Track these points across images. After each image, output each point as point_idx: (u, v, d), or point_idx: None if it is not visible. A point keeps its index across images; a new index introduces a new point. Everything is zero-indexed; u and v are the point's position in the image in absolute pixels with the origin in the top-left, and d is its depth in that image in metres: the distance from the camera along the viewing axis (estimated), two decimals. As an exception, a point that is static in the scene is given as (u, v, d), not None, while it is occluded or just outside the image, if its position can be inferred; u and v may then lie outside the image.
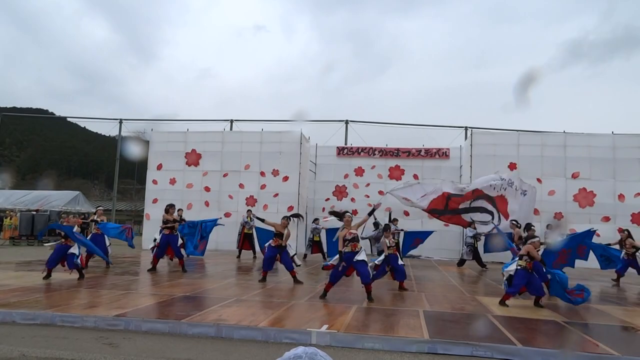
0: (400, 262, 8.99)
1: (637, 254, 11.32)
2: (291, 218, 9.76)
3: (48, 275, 8.90)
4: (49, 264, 8.91)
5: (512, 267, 7.48)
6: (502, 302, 7.33)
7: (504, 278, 7.58)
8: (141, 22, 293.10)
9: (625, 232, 11.78)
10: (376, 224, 13.58)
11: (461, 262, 14.74)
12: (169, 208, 11.02)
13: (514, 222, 12.29)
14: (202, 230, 11.96)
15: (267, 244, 9.89)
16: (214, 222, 12.40)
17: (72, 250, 8.96)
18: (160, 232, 10.94)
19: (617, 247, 11.67)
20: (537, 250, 7.50)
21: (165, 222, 10.85)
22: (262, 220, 9.95)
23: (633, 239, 11.58)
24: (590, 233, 10.29)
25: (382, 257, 8.89)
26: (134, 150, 21.61)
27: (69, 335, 5.01)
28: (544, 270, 7.49)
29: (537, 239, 7.71)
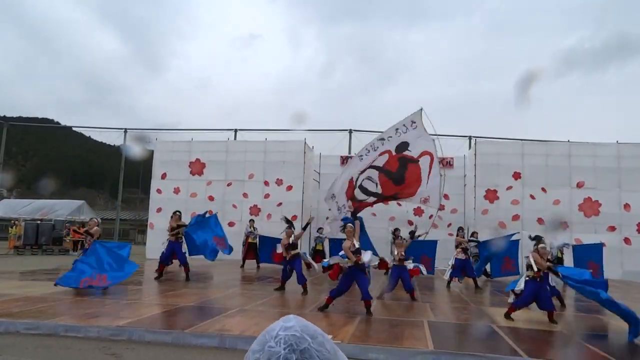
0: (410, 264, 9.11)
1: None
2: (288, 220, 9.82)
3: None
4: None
5: (522, 283, 7.11)
6: (507, 315, 7.02)
7: (512, 294, 7.27)
8: (150, 34, 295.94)
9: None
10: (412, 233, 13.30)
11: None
12: (173, 215, 11.07)
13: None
14: (211, 228, 11.92)
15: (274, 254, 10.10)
16: (214, 219, 12.26)
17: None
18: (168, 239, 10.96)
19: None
20: (545, 259, 6.94)
21: (171, 229, 10.89)
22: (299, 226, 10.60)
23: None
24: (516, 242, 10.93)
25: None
26: (136, 150, 21.48)
27: (72, 345, 5.00)
28: (559, 278, 7.08)
29: (542, 245, 7.08)
